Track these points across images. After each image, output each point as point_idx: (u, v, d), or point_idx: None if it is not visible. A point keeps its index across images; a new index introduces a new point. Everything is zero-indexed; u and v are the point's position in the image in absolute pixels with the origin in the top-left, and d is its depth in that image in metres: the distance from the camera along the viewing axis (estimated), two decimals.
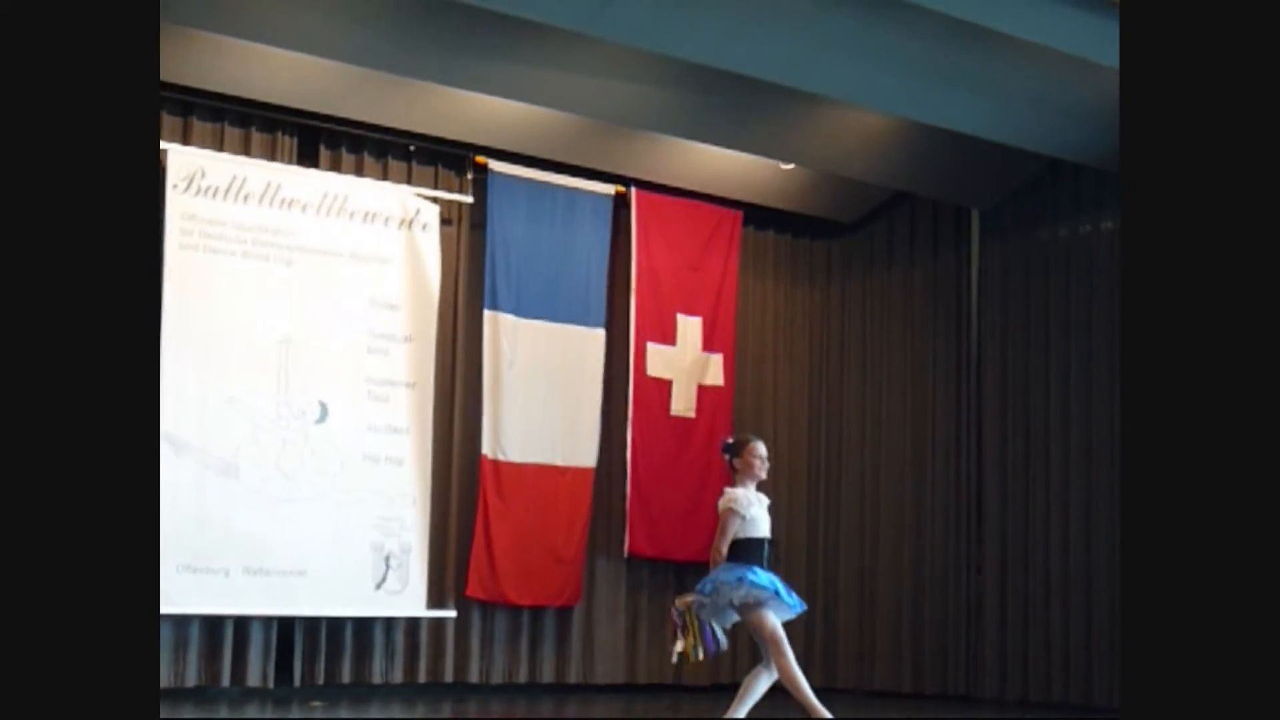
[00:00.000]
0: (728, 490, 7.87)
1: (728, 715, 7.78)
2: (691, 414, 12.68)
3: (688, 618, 7.77)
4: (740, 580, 7.68)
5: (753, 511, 7.79)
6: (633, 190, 12.56)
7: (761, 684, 7.82)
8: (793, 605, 7.78)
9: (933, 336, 12.87)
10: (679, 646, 7.82)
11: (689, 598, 7.81)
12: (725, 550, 7.74)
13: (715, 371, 12.86)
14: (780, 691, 7.71)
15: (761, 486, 7.93)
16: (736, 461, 7.95)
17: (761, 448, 7.98)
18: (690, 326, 12.77)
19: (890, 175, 12.34)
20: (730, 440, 8.11)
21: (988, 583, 12.12)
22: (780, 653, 7.66)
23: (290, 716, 9.61)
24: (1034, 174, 12.10)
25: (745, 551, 7.74)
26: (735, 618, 7.83)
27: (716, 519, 7.97)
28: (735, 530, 7.74)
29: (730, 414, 12.80)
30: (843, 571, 13.12)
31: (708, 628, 7.79)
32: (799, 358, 13.68)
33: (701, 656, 7.82)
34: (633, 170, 12.49)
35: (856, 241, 13.66)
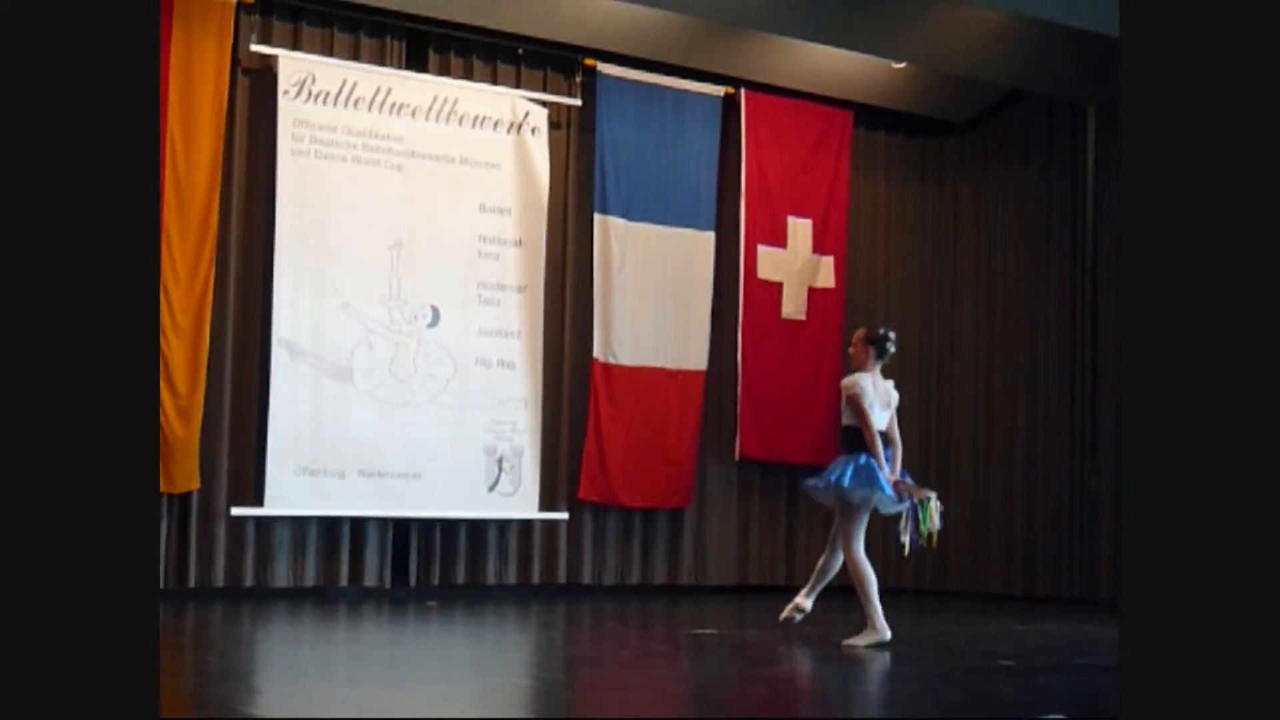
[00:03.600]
0: None
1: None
2: (802, 316, 12.63)
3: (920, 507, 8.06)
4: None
5: None
6: (742, 91, 12.45)
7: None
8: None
9: (1047, 238, 12.67)
10: (909, 533, 8.04)
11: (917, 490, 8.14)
12: None
13: (826, 274, 12.77)
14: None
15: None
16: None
17: None
18: (801, 228, 12.68)
19: (1004, 73, 12.08)
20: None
21: (1102, 485, 12.00)
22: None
23: (406, 616, 9.75)
24: None
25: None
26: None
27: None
28: None
29: (841, 316, 12.71)
30: (955, 474, 13.02)
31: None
32: (911, 259, 13.55)
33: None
34: (742, 71, 12.37)
35: (969, 141, 13.46)
